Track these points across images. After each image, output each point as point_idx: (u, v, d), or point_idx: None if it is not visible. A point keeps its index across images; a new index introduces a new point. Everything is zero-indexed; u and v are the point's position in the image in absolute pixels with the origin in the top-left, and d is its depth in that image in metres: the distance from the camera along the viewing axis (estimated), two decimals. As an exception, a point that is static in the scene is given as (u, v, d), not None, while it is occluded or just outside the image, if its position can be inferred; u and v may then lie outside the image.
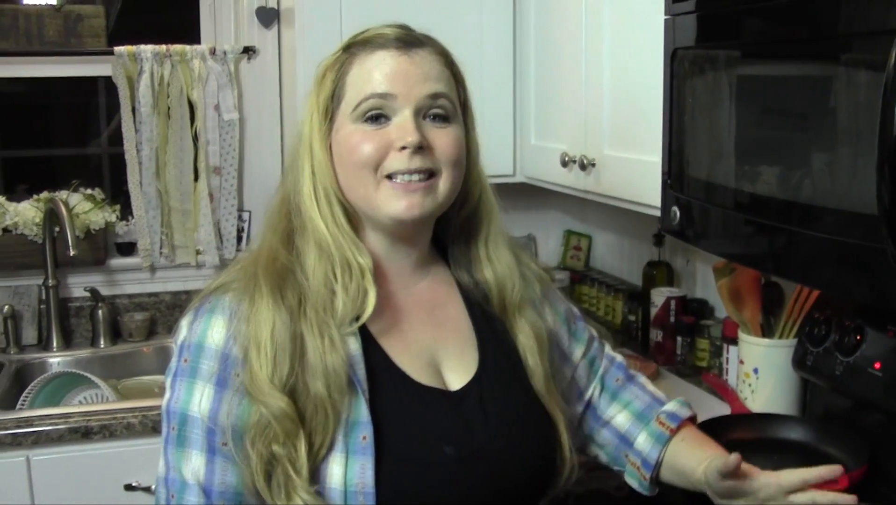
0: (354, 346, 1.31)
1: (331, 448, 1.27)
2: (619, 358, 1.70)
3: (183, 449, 1.30)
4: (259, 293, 1.29)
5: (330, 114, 1.37)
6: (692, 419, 1.63)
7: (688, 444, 1.57)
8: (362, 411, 1.28)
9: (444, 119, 1.36)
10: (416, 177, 1.33)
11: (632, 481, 1.60)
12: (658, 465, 1.56)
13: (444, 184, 1.35)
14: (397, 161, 1.32)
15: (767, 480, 1.44)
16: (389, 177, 1.33)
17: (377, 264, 1.38)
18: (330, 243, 1.33)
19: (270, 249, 1.36)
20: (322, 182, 1.36)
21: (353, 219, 1.38)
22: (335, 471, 1.26)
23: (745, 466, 1.43)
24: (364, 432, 1.27)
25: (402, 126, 1.32)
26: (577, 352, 1.62)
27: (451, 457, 1.32)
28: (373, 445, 1.26)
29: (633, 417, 1.62)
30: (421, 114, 1.35)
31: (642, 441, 1.58)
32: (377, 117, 1.34)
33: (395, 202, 1.33)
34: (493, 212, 1.48)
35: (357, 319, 1.32)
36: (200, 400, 1.29)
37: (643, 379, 1.70)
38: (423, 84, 1.34)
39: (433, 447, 1.32)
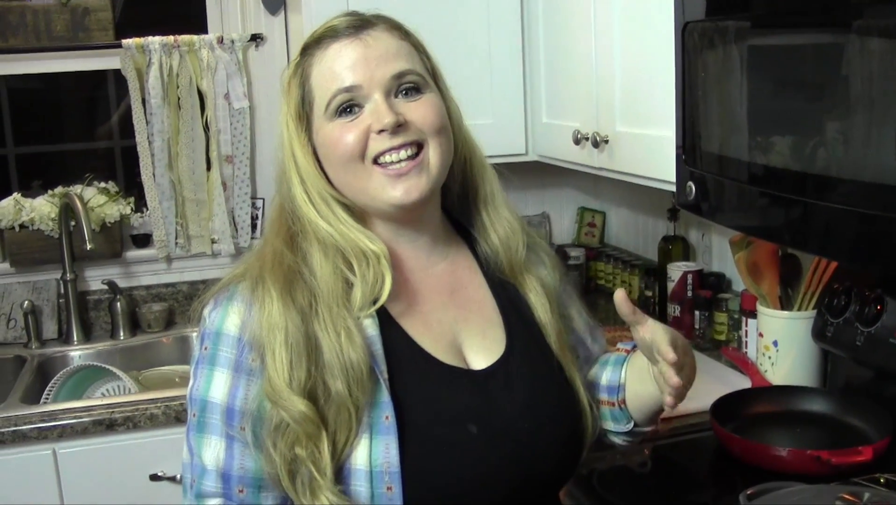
0: (372, 329, 1.31)
1: (358, 432, 1.27)
2: (602, 339, 1.66)
3: (203, 435, 1.32)
4: (269, 297, 1.29)
5: (305, 119, 1.38)
6: None
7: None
8: (383, 392, 1.28)
9: (416, 91, 1.35)
10: (403, 154, 1.32)
11: (607, 423, 1.53)
12: (621, 386, 1.50)
13: (433, 154, 1.34)
14: (380, 142, 1.31)
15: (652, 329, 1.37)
16: (377, 162, 1.32)
17: (391, 251, 1.37)
18: (337, 238, 1.33)
19: (275, 252, 1.35)
20: (314, 186, 1.36)
21: (356, 213, 1.38)
22: (360, 452, 1.27)
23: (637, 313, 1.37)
24: (386, 412, 1.27)
25: (376, 111, 1.32)
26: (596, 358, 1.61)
27: (475, 436, 1.32)
28: (395, 424, 1.27)
29: (599, 364, 1.57)
30: (391, 93, 1.34)
31: (606, 374, 1.53)
32: (350, 109, 1.33)
33: (391, 190, 1.32)
34: (485, 173, 1.48)
35: (374, 302, 1.32)
36: (219, 387, 1.30)
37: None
38: (385, 66, 1.33)
39: (457, 426, 1.32)
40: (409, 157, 1.32)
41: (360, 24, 1.36)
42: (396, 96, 1.34)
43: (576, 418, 1.43)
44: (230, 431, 1.30)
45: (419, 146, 1.33)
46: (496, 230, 1.47)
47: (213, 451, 1.31)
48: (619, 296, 1.35)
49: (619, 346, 1.58)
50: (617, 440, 1.56)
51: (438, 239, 1.45)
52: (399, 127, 1.31)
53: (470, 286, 1.47)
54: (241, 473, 1.30)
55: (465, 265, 1.48)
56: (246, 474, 1.30)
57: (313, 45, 1.38)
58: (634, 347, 1.54)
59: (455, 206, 1.50)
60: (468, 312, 1.44)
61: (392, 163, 1.32)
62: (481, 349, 1.41)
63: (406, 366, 1.33)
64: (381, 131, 1.31)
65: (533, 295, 1.47)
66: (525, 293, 1.47)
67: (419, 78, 1.36)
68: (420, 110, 1.34)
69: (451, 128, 1.41)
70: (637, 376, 1.47)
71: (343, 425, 1.26)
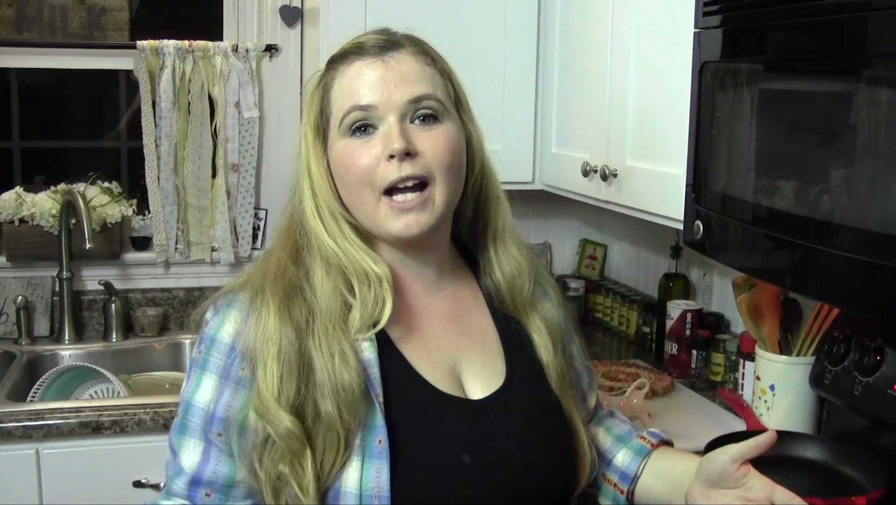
0: (369, 352, 1.30)
1: (348, 454, 1.26)
2: (595, 383, 1.67)
3: (183, 436, 1.32)
4: (266, 309, 1.29)
5: (321, 132, 1.37)
6: (670, 444, 1.60)
7: (670, 454, 1.55)
8: (377, 415, 1.27)
9: (433, 119, 1.33)
10: (409, 195, 1.30)
11: (605, 501, 1.56)
12: (636, 478, 1.53)
13: (440, 192, 1.32)
14: (389, 171, 1.29)
15: (763, 484, 1.40)
16: (389, 193, 1.31)
17: (395, 274, 1.37)
18: (341, 257, 1.32)
19: (279, 265, 1.35)
20: (325, 201, 1.35)
21: (363, 234, 1.37)
22: (351, 475, 1.25)
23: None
24: (379, 436, 1.26)
25: (387, 135, 1.30)
26: (591, 400, 1.61)
27: (468, 466, 1.31)
28: (388, 449, 1.25)
29: (613, 439, 1.59)
30: (407, 118, 1.32)
31: (622, 456, 1.56)
32: (364, 128, 1.32)
33: (394, 221, 1.31)
34: (499, 207, 1.46)
35: (374, 325, 1.31)
36: (205, 392, 1.31)
37: (620, 413, 1.70)
38: (403, 89, 1.32)
39: (450, 454, 1.31)
40: (415, 190, 1.30)
41: (386, 44, 1.35)
42: (412, 122, 1.33)
43: (572, 454, 1.42)
44: (209, 435, 1.30)
45: (425, 183, 1.31)
46: (502, 267, 1.45)
47: (190, 453, 1.31)
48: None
49: (644, 434, 1.58)
50: None
51: (445, 266, 1.44)
52: (408, 155, 1.30)
53: (473, 315, 1.46)
54: (213, 478, 1.31)
55: (470, 293, 1.47)
56: (217, 480, 1.31)
57: (339, 59, 1.38)
58: (660, 442, 1.56)
59: (465, 233, 1.49)
60: (469, 340, 1.43)
61: (399, 194, 1.31)
62: (480, 379, 1.40)
63: (403, 391, 1.32)
64: (390, 157, 1.29)
65: (537, 335, 1.45)
66: (529, 332, 1.46)
67: (438, 105, 1.34)
68: (432, 142, 1.32)
69: (473, 157, 1.40)
70: (659, 477, 1.51)
71: (331, 447, 1.25)
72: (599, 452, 1.57)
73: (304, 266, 1.34)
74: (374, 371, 1.29)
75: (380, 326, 1.31)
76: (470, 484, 1.30)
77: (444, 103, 1.35)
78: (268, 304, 1.29)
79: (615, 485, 1.54)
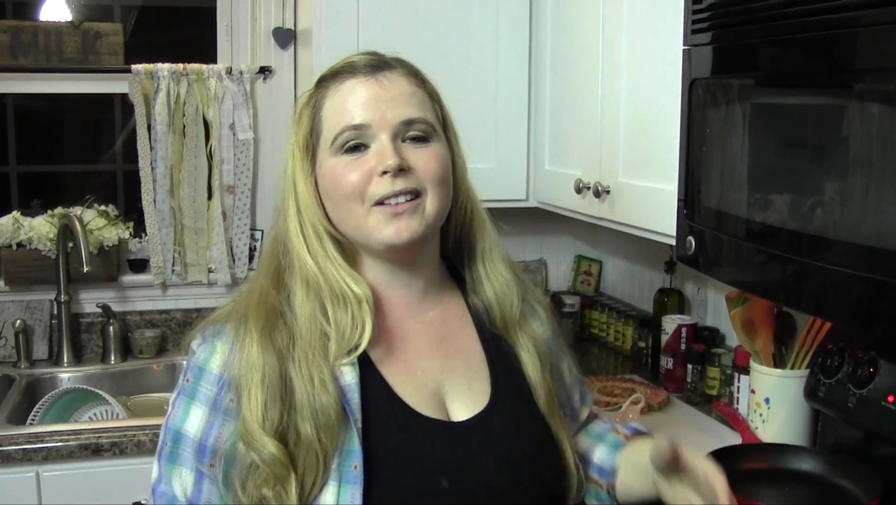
0: (350, 376, 1.30)
1: (326, 477, 1.26)
2: (589, 397, 1.66)
3: (174, 465, 1.32)
4: (249, 337, 1.29)
5: (311, 150, 1.37)
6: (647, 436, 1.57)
7: (639, 444, 1.49)
8: (354, 440, 1.27)
9: (423, 139, 1.35)
10: (402, 198, 1.31)
11: (591, 501, 1.53)
12: (614, 471, 1.50)
13: (430, 203, 1.33)
14: (381, 186, 1.30)
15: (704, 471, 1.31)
16: (379, 204, 1.31)
17: (380, 295, 1.37)
18: (319, 277, 1.32)
19: (261, 291, 1.35)
20: (309, 219, 1.35)
21: (348, 252, 1.37)
22: (328, 499, 1.25)
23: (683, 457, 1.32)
24: (356, 461, 1.26)
25: (381, 152, 1.31)
26: (583, 415, 1.61)
27: (447, 490, 1.30)
28: (363, 474, 1.25)
29: (593, 438, 1.57)
30: (399, 137, 1.33)
31: (599, 453, 1.54)
32: (356, 147, 1.33)
33: (385, 228, 1.31)
34: (485, 228, 1.47)
35: (354, 349, 1.31)
36: (195, 421, 1.30)
37: (602, 415, 1.69)
38: (396, 109, 1.33)
39: (428, 478, 1.30)
40: (407, 201, 1.31)
41: (378, 64, 1.36)
42: (403, 141, 1.34)
43: (558, 476, 1.41)
44: (200, 466, 1.30)
45: (417, 194, 1.32)
46: (492, 284, 1.45)
47: (182, 482, 1.31)
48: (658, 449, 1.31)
49: (619, 428, 1.58)
50: None
51: (433, 284, 1.44)
52: (401, 171, 1.30)
53: (459, 335, 1.45)
54: None
55: (457, 313, 1.47)
56: None
57: (329, 77, 1.38)
58: (634, 433, 1.55)
59: (451, 253, 1.49)
60: (455, 361, 1.42)
61: (390, 201, 1.31)
62: (465, 400, 1.39)
63: (382, 415, 1.31)
64: (383, 173, 1.30)
65: (525, 354, 1.45)
66: (517, 351, 1.45)
67: (428, 127, 1.35)
68: (424, 158, 1.33)
69: (455, 179, 1.41)
70: (632, 469, 1.47)
71: (311, 468, 1.25)
72: (581, 454, 1.54)
73: (285, 288, 1.34)
74: (355, 396, 1.29)
75: (359, 351, 1.31)
76: None
77: (434, 125, 1.37)
78: (251, 332, 1.29)
79: (596, 482, 1.52)
